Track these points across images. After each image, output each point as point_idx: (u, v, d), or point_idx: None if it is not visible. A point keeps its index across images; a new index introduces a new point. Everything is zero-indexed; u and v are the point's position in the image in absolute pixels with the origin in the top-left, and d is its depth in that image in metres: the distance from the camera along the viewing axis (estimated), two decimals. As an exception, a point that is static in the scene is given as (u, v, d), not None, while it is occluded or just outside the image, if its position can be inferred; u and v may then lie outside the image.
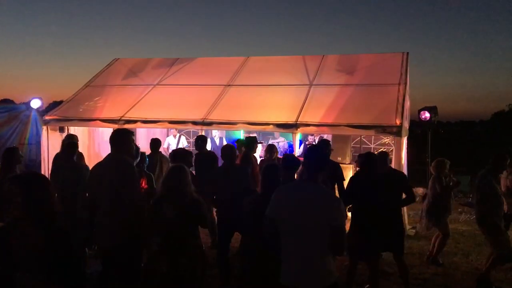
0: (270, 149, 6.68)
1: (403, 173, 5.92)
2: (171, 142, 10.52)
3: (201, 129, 8.14)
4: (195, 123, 8.12)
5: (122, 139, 4.00)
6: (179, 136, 10.70)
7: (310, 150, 3.17)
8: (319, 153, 3.10)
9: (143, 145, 9.66)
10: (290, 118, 7.65)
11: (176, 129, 10.37)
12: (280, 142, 10.66)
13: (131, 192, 3.89)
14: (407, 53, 9.14)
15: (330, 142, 6.89)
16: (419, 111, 7.79)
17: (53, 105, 10.34)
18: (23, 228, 2.22)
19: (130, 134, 4.12)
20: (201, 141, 6.86)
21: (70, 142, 6.07)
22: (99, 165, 4.09)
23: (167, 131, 11.24)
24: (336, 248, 2.84)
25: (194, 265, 3.70)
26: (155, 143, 7.06)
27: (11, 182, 2.26)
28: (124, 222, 3.78)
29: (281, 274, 2.94)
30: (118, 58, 11.27)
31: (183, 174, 3.76)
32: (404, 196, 5.21)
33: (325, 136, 8.96)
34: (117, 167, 3.88)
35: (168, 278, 3.61)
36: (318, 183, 2.93)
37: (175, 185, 3.71)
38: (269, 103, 8.32)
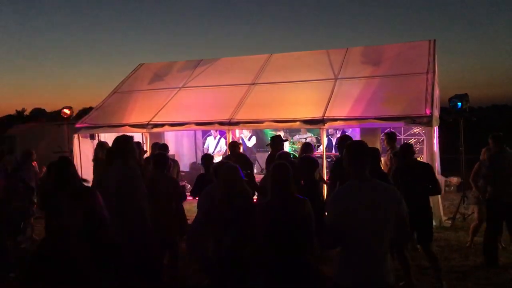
0: (306, 148, 6.15)
1: (428, 164, 5.76)
2: (211, 143, 10.38)
3: (228, 129, 8.16)
4: (221, 123, 8.16)
5: (122, 146, 4.11)
6: (219, 138, 10.28)
7: (349, 148, 2.89)
8: (362, 148, 2.90)
9: (172, 148, 9.79)
10: (316, 114, 7.58)
11: (216, 131, 9.98)
12: (308, 138, 10.58)
13: (133, 193, 4.02)
14: (434, 40, 8.92)
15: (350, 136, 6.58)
16: (450, 99, 7.57)
17: (83, 112, 10.57)
18: (70, 239, 2.31)
19: (128, 140, 4.20)
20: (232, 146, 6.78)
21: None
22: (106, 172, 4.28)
23: (194, 133, 11.32)
24: (405, 235, 2.90)
25: None
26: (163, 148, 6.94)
27: (63, 196, 2.43)
28: (129, 222, 3.91)
29: (342, 275, 2.80)
30: (144, 63, 11.44)
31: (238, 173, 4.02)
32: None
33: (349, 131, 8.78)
34: (119, 173, 4.02)
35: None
36: (371, 179, 2.78)
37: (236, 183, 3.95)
38: (295, 100, 8.28)
